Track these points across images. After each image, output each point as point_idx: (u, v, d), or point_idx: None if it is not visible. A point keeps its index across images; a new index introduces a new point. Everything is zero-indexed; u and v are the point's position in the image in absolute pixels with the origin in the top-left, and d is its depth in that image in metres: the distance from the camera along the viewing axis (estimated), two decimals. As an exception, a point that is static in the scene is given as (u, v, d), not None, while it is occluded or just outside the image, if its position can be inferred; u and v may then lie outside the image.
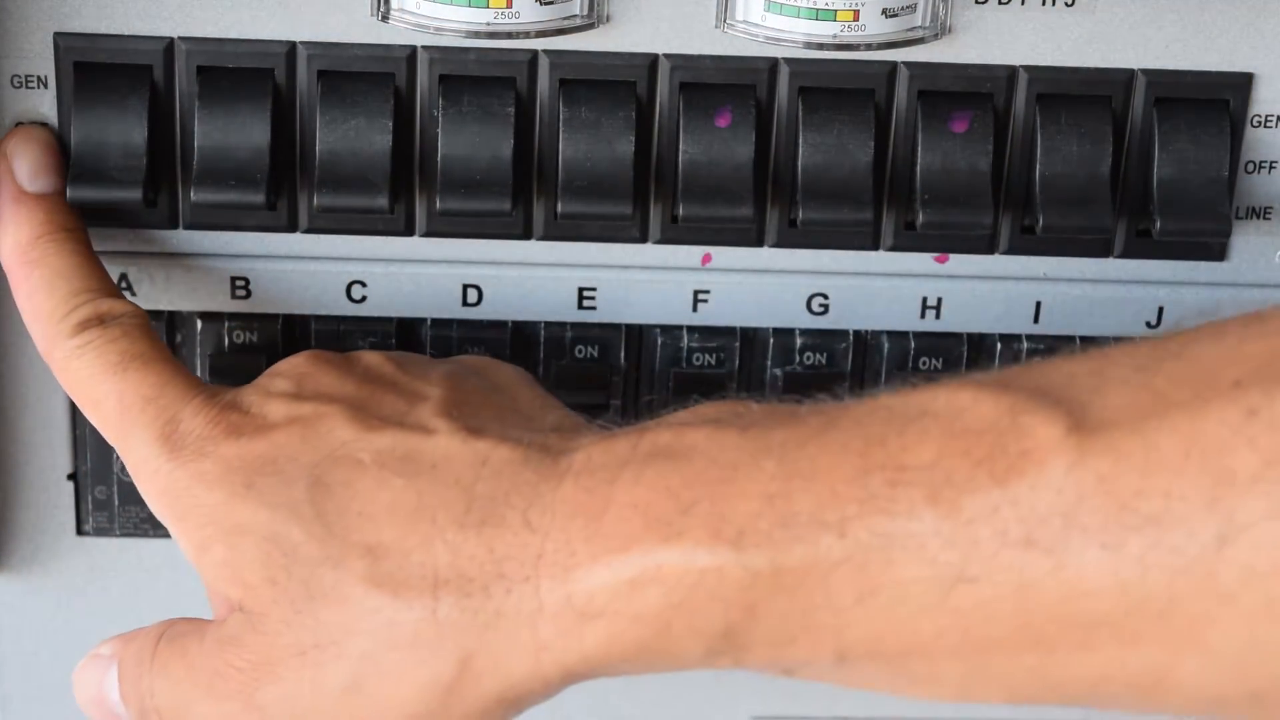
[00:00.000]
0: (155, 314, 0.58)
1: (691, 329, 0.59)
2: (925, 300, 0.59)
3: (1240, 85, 0.57)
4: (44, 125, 0.55)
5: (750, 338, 0.59)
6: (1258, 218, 0.58)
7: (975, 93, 0.56)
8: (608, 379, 0.59)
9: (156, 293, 0.58)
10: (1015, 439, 0.42)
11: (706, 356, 0.59)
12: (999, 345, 0.59)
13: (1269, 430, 0.40)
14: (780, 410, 0.47)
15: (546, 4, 0.55)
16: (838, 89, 0.56)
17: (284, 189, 0.56)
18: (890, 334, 0.59)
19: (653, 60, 0.56)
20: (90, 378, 0.51)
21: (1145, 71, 0.57)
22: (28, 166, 0.54)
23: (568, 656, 0.46)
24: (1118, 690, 0.42)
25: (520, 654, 0.46)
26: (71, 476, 0.60)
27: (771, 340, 0.59)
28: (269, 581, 0.48)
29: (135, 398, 0.51)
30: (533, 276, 0.58)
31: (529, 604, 0.46)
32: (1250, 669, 0.41)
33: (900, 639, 0.43)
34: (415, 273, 0.58)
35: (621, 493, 0.45)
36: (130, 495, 0.60)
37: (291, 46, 0.55)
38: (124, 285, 0.58)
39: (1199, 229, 0.57)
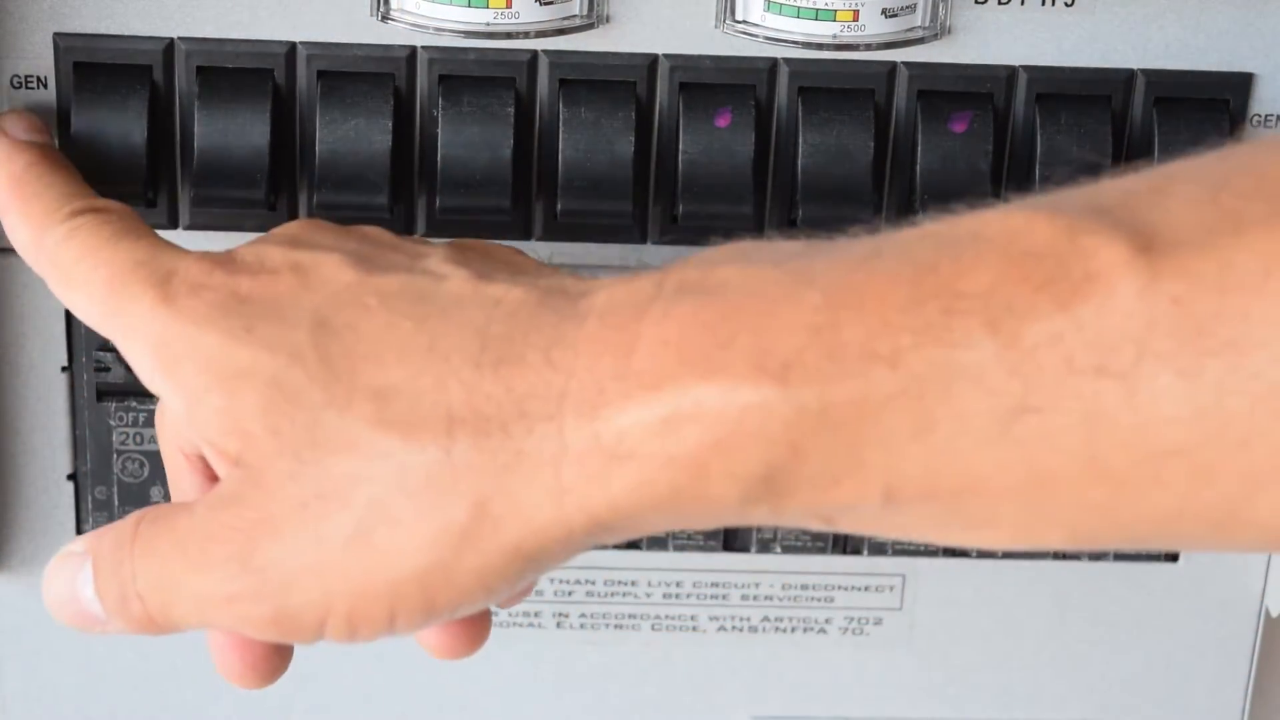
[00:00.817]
0: (155, 314, 0.58)
1: (691, 329, 0.59)
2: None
3: (1240, 85, 0.57)
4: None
5: (750, 338, 0.59)
6: (1258, 218, 0.58)
7: (975, 93, 0.56)
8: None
9: (156, 293, 0.58)
10: (1078, 261, 0.39)
11: (706, 356, 0.59)
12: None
13: None
14: (816, 243, 0.43)
15: (546, 4, 0.55)
16: (837, 89, 0.56)
17: (284, 189, 0.56)
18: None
19: (652, 60, 0.56)
20: (81, 257, 0.49)
21: (1145, 72, 0.57)
22: (21, 124, 0.54)
23: (593, 502, 0.42)
24: (1188, 527, 0.40)
25: (541, 497, 0.43)
26: (71, 477, 0.60)
27: (771, 340, 0.59)
28: (271, 431, 0.44)
29: (128, 263, 0.48)
30: (532, 276, 0.58)
31: (552, 444, 0.42)
32: None
33: (956, 476, 0.40)
34: (415, 273, 0.58)
35: (651, 329, 0.42)
36: (130, 496, 0.60)
37: (291, 47, 0.55)
38: (124, 285, 0.58)
39: (1199, 229, 0.57)
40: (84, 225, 0.49)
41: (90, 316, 0.49)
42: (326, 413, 0.44)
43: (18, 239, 0.51)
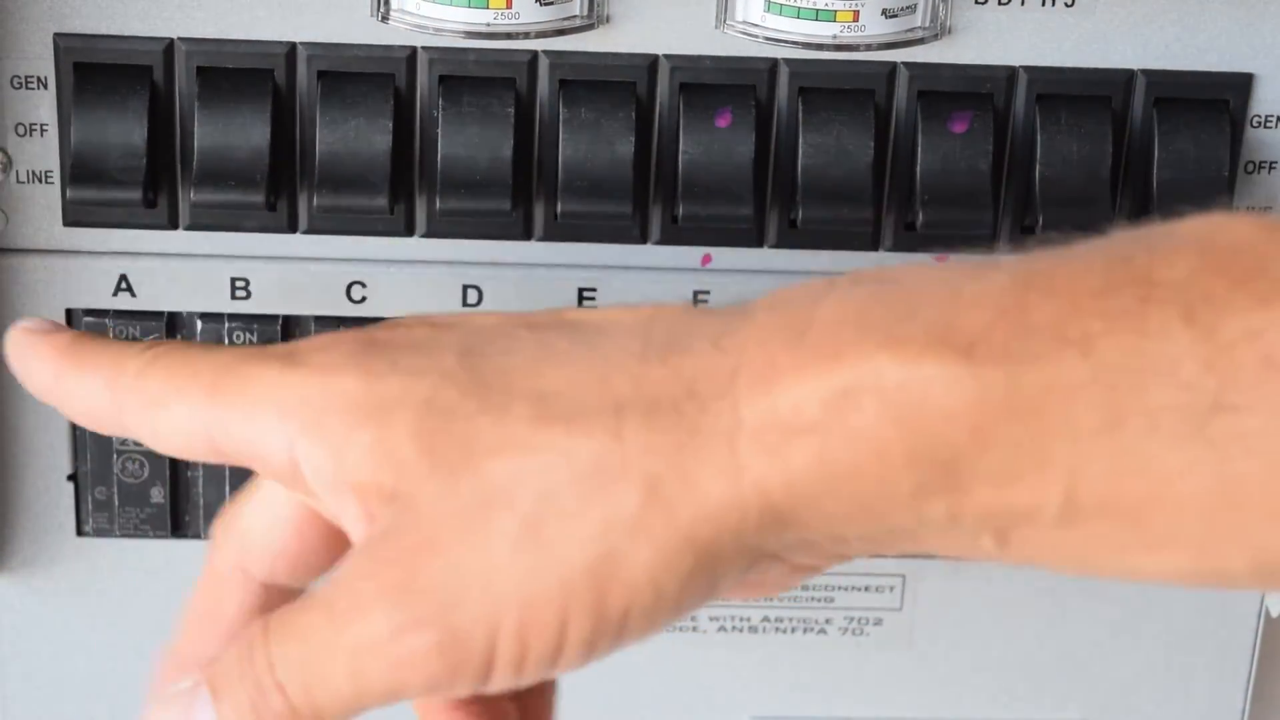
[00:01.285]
0: (155, 315, 0.58)
1: (691, 329, 0.59)
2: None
3: (1240, 86, 0.57)
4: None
5: (750, 338, 0.59)
6: (1258, 218, 0.58)
7: (975, 93, 0.56)
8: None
9: (156, 293, 0.58)
10: (1277, 261, 0.38)
11: (706, 357, 0.59)
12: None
13: None
14: (983, 259, 0.41)
15: (546, 4, 0.55)
16: (838, 89, 0.56)
17: (284, 189, 0.56)
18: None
19: (653, 61, 0.56)
20: (172, 374, 0.44)
21: (1145, 72, 0.57)
22: (42, 322, 0.48)
23: (770, 480, 0.39)
24: None
25: (716, 475, 0.40)
26: (72, 477, 0.60)
27: (771, 340, 0.59)
28: (426, 451, 0.41)
29: (232, 357, 0.44)
30: (533, 277, 0.58)
31: (727, 419, 0.40)
32: None
33: (1144, 479, 0.38)
34: (415, 273, 0.58)
35: (825, 310, 0.40)
36: (130, 496, 0.60)
37: (291, 47, 0.55)
38: (124, 286, 0.58)
39: (1199, 229, 0.57)
40: (165, 352, 0.45)
41: (195, 423, 0.44)
42: (483, 420, 0.41)
43: (85, 391, 0.46)
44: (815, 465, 0.39)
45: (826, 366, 0.39)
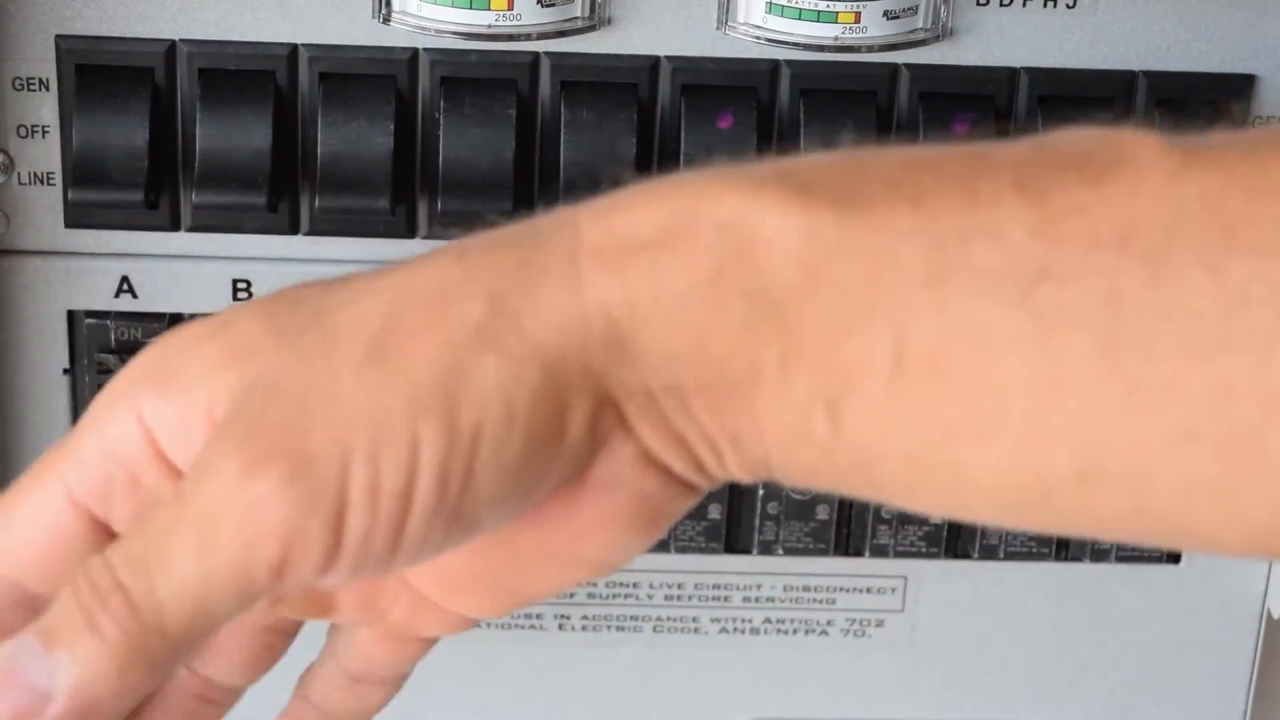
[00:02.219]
0: (157, 316, 0.58)
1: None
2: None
3: (1242, 87, 0.57)
4: None
5: (752, 339, 0.59)
6: (1259, 219, 0.58)
7: (977, 94, 0.56)
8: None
9: (158, 295, 0.58)
10: (1111, 148, 0.38)
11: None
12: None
13: None
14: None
15: (548, 6, 0.55)
16: (839, 91, 0.56)
17: (285, 191, 0.56)
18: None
19: (654, 62, 0.56)
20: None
21: (1147, 73, 0.57)
22: None
23: (610, 295, 0.39)
24: (1199, 452, 0.37)
25: (558, 287, 0.40)
26: (73, 478, 0.60)
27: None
28: (273, 331, 0.41)
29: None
30: (534, 278, 0.58)
31: (567, 238, 0.40)
32: None
33: (969, 343, 0.38)
34: (417, 275, 0.58)
35: (664, 188, 0.40)
36: (132, 497, 0.60)
37: (293, 49, 0.55)
38: (125, 287, 0.58)
39: (1200, 231, 0.57)
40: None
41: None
42: (330, 294, 0.41)
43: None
44: (651, 282, 0.39)
45: (666, 193, 0.40)
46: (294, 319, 0.41)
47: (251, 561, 0.38)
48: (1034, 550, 0.62)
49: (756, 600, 0.63)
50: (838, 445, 0.40)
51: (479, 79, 0.56)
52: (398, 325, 0.40)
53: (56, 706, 0.37)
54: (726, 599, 0.63)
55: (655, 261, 0.39)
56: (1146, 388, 0.37)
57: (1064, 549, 0.62)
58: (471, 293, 0.40)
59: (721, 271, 0.39)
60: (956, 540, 0.62)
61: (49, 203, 0.57)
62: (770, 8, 0.55)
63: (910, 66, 0.56)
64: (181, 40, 0.55)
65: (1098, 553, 0.62)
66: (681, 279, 0.39)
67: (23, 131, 0.56)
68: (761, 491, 0.61)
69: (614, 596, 0.63)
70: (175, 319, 0.58)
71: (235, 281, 0.58)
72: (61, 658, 0.38)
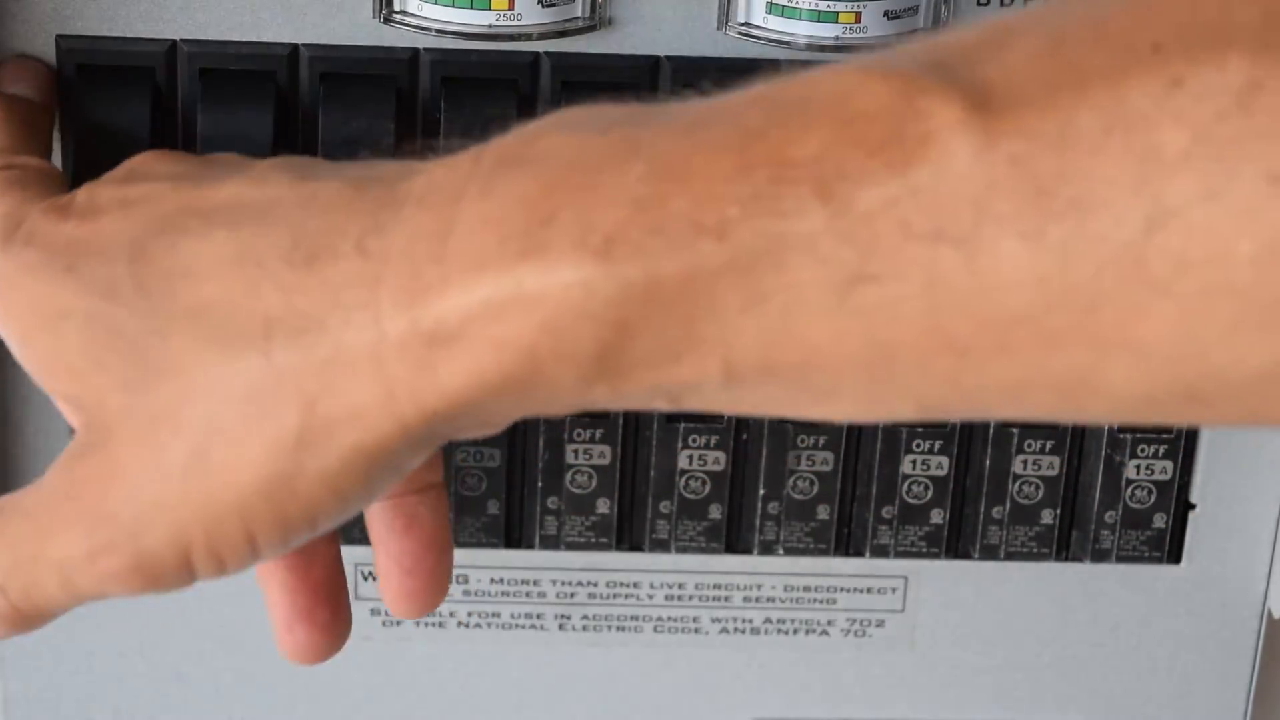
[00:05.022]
0: (157, 316, 0.58)
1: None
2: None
3: (1242, 87, 0.57)
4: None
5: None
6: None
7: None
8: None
9: (159, 295, 0.58)
10: (913, 122, 0.37)
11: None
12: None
13: (1195, 102, 0.35)
14: (646, 109, 0.41)
15: (548, 6, 0.55)
16: (840, 91, 0.56)
17: (286, 191, 0.56)
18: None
19: (654, 62, 0.56)
20: None
21: (1147, 73, 0.56)
22: (8, 70, 0.54)
23: (423, 393, 0.41)
24: (1039, 396, 0.38)
25: (368, 391, 0.41)
26: (74, 478, 0.60)
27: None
28: (97, 365, 0.43)
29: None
30: (535, 278, 0.58)
31: (369, 332, 0.40)
32: (1183, 366, 0.37)
33: (795, 348, 0.39)
34: (417, 275, 0.58)
35: (468, 209, 0.40)
36: (132, 497, 0.60)
37: (294, 49, 0.55)
38: (126, 287, 0.58)
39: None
40: None
41: None
42: (149, 339, 0.43)
43: None
44: (465, 376, 0.40)
45: (466, 279, 0.40)
46: (118, 353, 0.43)
47: (111, 592, 0.44)
48: (1034, 550, 0.62)
49: (757, 600, 0.63)
50: (680, 409, 0.41)
51: (480, 79, 0.56)
52: (217, 429, 0.42)
53: None
54: (727, 599, 0.63)
55: (465, 355, 0.40)
56: (975, 353, 0.38)
57: (1064, 549, 0.62)
58: (282, 399, 0.41)
59: (536, 352, 0.39)
60: (957, 540, 0.62)
61: (50, 203, 0.57)
62: (771, 8, 0.55)
63: (911, 67, 0.56)
64: (182, 40, 0.55)
65: (1098, 553, 0.62)
66: (496, 367, 0.40)
67: (23, 131, 0.56)
68: (762, 491, 0.61)
69: (614, 597, 0.63)
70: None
71: (236, 281, 0.58)
72: None
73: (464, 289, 0.40)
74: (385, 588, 0.51)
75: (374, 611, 0.63)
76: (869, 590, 0.63)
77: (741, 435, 0.60)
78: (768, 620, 0.64)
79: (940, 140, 0.37)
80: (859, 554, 0.62)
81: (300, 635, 0.50)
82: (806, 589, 0.63)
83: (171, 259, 0.44)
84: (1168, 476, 0.61)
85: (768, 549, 0.62)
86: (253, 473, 0.42)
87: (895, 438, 0.60)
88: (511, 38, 0.55)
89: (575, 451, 0.60)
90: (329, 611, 0.51)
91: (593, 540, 0.61)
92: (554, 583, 0.63)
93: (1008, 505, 0.61)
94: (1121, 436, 0.61)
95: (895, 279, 0.38)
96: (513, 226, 0.39)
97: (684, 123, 0.40)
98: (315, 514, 0.43)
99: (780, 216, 0.38)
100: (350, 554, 0.53)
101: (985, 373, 0.38)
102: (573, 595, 0.63)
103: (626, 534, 0.62)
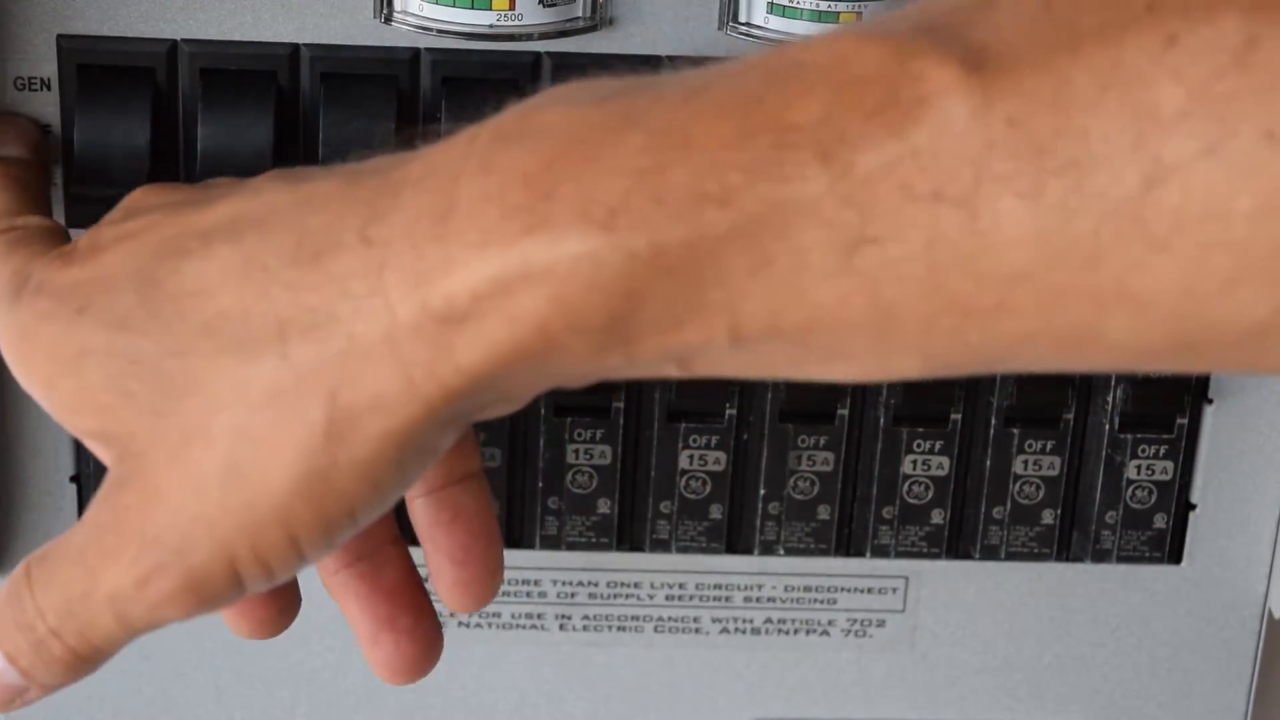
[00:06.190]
0: (158, 316, 0.58)
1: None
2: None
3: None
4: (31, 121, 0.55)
5: (753, 340, 0.59)
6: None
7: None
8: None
9: (159, 295, 0.58)
10: (909, 85, 0.38)
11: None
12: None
13: (1192, 59, 0.36)
14: (640, 80, 0.41)
15: (549, 6, 0.55)
16: (841, 91, 0.56)
17: (287, 191, 0.56)
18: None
19: (656, 62, 0.56)
20: None
21: (1148, 74, 0.56)
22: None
23: (442, 371, 0.41)
24: (1041, 350, 0.39)
25: (388, 377, 0.41)
26: (74, 478, 0.60)
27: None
28: (123, 395, 0.44)
29: (8, 273, 0.47)
30: (536, 278, 0.58)
31: (381, 318, 0.41)
32: (1182, 319, 0.37)
33: (801, 310, 0.39)
34: (418, 275, 0.58)
35: (468, 186, 0.40)
36: (133, 497, 0.60)
37: (294, 49, 0.55)
38: (127, 287, 0.58)
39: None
40: None
41: None
42: (169, 361, 0.43)
43: None
44: (480, 350, 0.40)
45: (472, 256, 0.40)
46: (141, 380, 0.44)
47: (166, 617, 0.44)
48: (1035, 550, 0.62)
49: (758, 600, 0.63)
50: (690, 376, 0.42)
51: (480, 79, 0.56)
52: (246, 436, 0.42)
53: (31, 694, 0.46)
54: (728, 599, 0.63)
55: (479, 331, 0.40)
56: (978, 310, 0.38)
57: (1065, 549, 0.62)
58: (305, 396, 0.42)
59: (547, 323, 0.40)
60: (958, 540, 0.62)
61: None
62: (771, 8, 0.55)
63: (912, 67, 0.56)
64: (183, 40, 0.55)
65: (1098, 553, 0.62)
66: (510, 340, 0.40)
67: (24, 131, 0.56)
68: (763, 491, 0.61)
69: (615, 597, 0.63)
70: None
71: (236, 281, 0.58)
72: (28, 676, 0.46)
73: (470, 267, 0.40)
74: (439, 583, 0.50)
75: (374, 611, 0.63)
76: (869, 590, 0.63)
77: (742, 435, 0.60)
78: (768, 620, 0.64)
79: (937, 101, 0.38)
80: (859, 554, 0.62)
81: (387, 646, 0.50)
82: (807, 589, 0.63)
83: (178, 280, 0.44)
84: (1168, 477, 0.61)
85: (768, 549, 0.62)
86: (287, 474, 0.42)
87: (895, 438, 0.60)
88: (512, 38, 0.55)
89: (576, 451, 0.60)
90: (411, 616, 0.50)
91: (593, 540, 0.61)
92: (554, 583, 0.63)
93: (1008, 505, 0.61)
94: (1122, 437, 0.61)
95: (897, 240, 0.38)
96: (514, 201, 0.40)
97: (681, 91, 0.40)
98: (353, 506, 0.43)
99: (783, 181, 0.38)
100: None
101: (988, 328, 0.39)
102: (573, 595, 0.63)
103: (627, 534, 0.62)
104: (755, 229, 0.39)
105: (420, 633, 0.50)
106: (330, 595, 0.50)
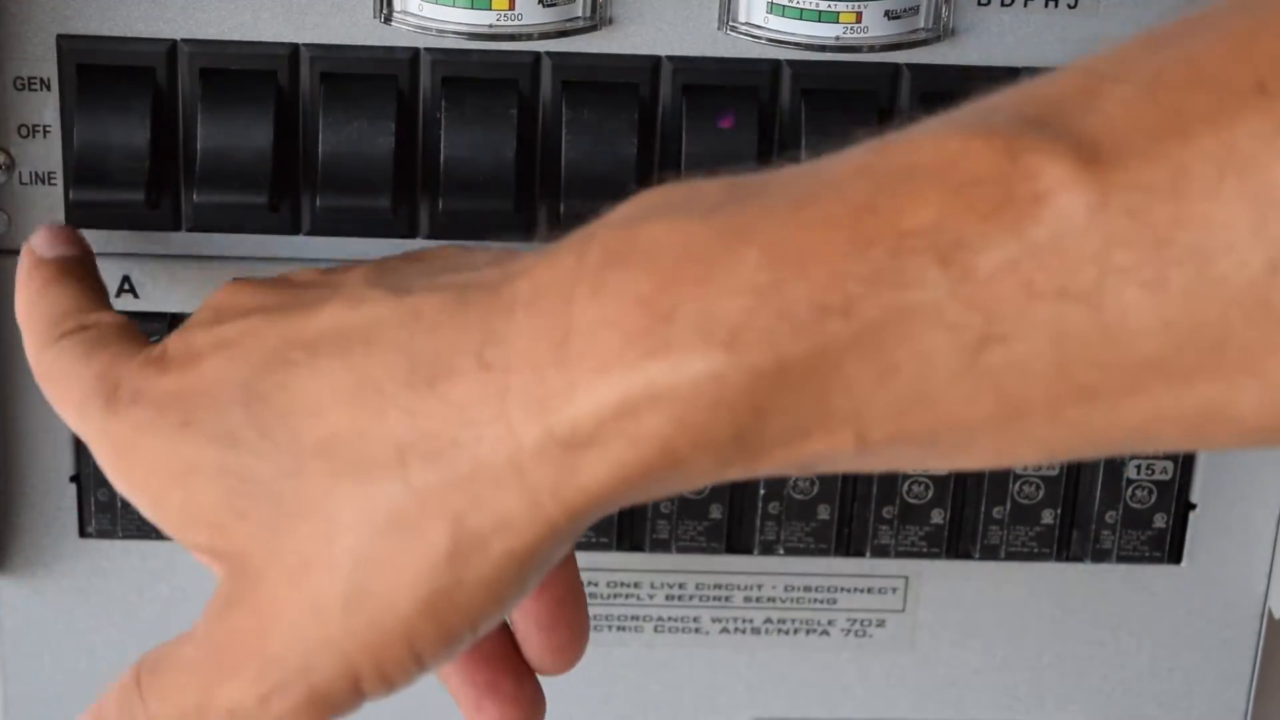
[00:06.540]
0: (158, 316, 0.58)
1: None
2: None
3: (1243, 87, 0.57)
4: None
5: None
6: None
7: (979, 94, 0.56)
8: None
9: (159, 295, 0.58)
10: (1023, 183, 0.38)
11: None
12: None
13: None
14: (741, 184, 0.41)
15: (549, 6, 0.55)
16: (840, 91, 0.56)
17: (287, 191, 0.56)
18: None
19: (655, 62, 0.56)
20: (63, 377, 0.49)
21: (1148, 73, 0.56)
22: (48, 239, 0.53)
23: (567, 494, 0.41)
24: (1168, 432, 0.39)
25: (513, 500, 0.41)
26: (74, 479, 0.60)
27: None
28: (238, 516, 0.44)
29: (89, 378, 0.48)
30: (535, 278, 0.58)
31: (506, 445, 0.41)
32: None
33: (928, 413, 0.39)
34: (418, 275, 0.58)
35: (583, 311, 0.40)
36: (133, 497, 0.60)
37: (294, 49, 0.55)
38: (127, 287, 0.58)
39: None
40: (67, 346, 0.49)
41: (76, 431, 0.49)
42: (283, 482, 0.44)
43: (29, 356, 0.51)
44: (605, 472, 0.41)
45: (595, 381, 0.40)
46: (253, 499, 0.44)
47: None
48: (1035, 550, 0.62)
49: (758, 600, 0.63)
50: (813, 473, 0.43)
51: (480, 79, 0.56)
52: (369, 560, 0.42)
53: None
54: (728, 599, 0.63)
55: (604, 455, 0.40)
56: (1105, 399, 0.38)
57: (1065, 549, 0.62)
58: (430, 520, 0.42)
59: (672, 444, 0.40)
60: (958, 540, 0.62)
61: (50, 202, 0.57)
62: (771, 8, 0.55)
63: (912, 67, 0.56)
64: (183, 40, 0.55)
65: (1098, 553, 0.62)
66: (636, 461, 0.40)
67: (24, 131, 0.56)
68: (763, 491, 0.61)
69: (615, 597, 0.63)
70: (176, 319, 0.58)
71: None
72: None
73: (594, 392, 0.40)
74: (527, 648, 0.51)
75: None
76: (869, 590, 0.63)
77: (742, 435, 0.60)
78: (768, 620, 0.64)
79: (1054, 198, 0.37)
80: (859, 554, 0.62)
81: (491, 713, 0.51)
82: (807, 589, 0.63)
83: (286, 397, 0.44)
84: (1168, 476, 0.61)
85: (768, 549, 0.62)
86: (412, 595, 0.43)
87: (896, 438, 0.60)
88: (512, 37, 0.55)
89: (576, 451, 0.60)
90: (512, 682, 0.51)
91: (593, 540, 0.61)
92: (554, 583, 0.63)
93: (1008, 505, 0.61)
94: (1122, 436, 0.61)
95: (1022, 338, 0.38)
96: (633, 326, 0.40)
97: (788, 201, 0.40)
98: (476, 620, 0.43)
99: (903, 288, 0.38)
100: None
101: (1115, 415, 0.39)
102: (573, 595, 0.63)
103: (627, 534, 0.62)
104: (879, 336, 0.39)
105: (524, 697, 0.51)
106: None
